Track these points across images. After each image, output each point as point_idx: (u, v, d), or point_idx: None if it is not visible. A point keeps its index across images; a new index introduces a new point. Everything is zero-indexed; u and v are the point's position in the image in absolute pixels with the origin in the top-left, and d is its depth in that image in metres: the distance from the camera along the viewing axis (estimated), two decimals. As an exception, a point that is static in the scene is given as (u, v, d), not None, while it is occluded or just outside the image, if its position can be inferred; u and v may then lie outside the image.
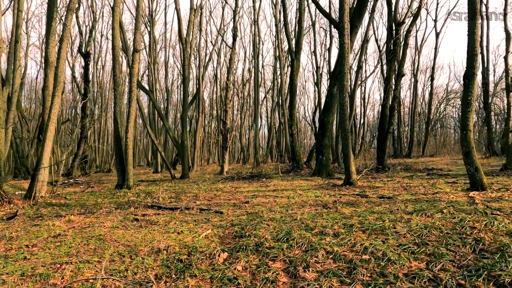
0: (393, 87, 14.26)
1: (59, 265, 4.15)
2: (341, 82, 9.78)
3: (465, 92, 7.55)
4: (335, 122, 22.79)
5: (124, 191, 11.50)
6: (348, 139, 9.70)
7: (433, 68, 30.94)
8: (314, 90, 43.05)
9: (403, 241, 4.30)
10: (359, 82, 26.56)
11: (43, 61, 36.08)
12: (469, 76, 7.45)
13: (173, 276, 3.72)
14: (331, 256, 3.99)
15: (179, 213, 6.91)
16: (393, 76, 14.36)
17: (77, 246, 4.84)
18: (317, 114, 35.59)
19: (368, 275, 3.50)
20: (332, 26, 17.05)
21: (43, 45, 32.51)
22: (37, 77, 39.87)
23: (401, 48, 14.63)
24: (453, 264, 3.64)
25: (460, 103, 50.59)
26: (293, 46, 17.42)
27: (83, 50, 21.65)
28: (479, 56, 19.31)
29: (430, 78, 31.55)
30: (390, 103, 14.14)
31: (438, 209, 5.73)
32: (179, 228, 5.57)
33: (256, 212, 6.60)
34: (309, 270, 3.66)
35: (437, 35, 31.05)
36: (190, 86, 41.51)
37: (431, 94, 31.89)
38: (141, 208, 7.62)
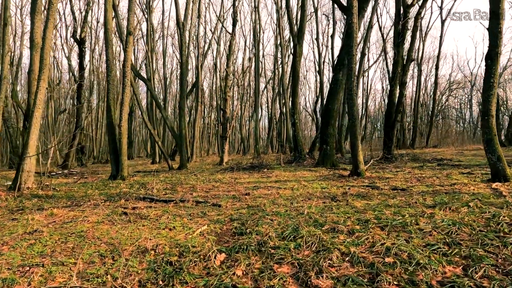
0: (401, 72, 13.52)
1: (28, 268, 3.55)
2: (349, 64, 9.07)
3: (487, 74, 6.86)
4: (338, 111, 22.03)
5: (118, 182, 10.89)
6: (356, 126, 9.03)
7: (438, 56, 30.06)
8: (316, 80, 42.25)
9: (430, 240, 3.68)
10: (362, 71, 25.76)
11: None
12: (492, 56, 6.76)
13: (160, 282, 3.11)
14: (347, 259, 3.38)
15: (173, 206, 6.30)
16: (401, 61, 13.62)
17: (53, 245, 4.23)
18: (319, 104, 34.90)
19: (395, 283, 2.89)
20: (337, 8, 16.19)
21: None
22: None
23: (411, 31, 13.85)
24: (497, 269, 3.02)
25: (462, 94, 49.86)
26: (296, 31, 16.62)
27: (78, 36, 20.83)
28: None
29: (435, 67, 30.71)
30: (398, 89, 13.45)
31: (463, 202, 5.11)
32: (171, 224, 4.96)
33: (257, 205, 5.98)
34: (322, 277, 3.04)
35: (443, 22, 30.16)
36: (189, 76, 40.68)
37: (435, 83, 31.10)
38: (132, 200, 7.01)
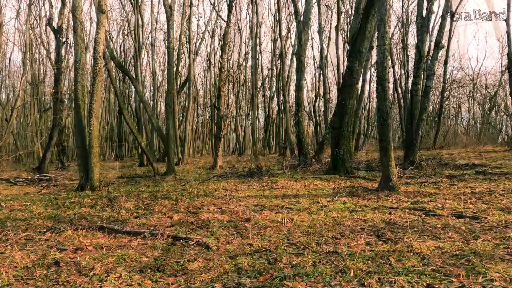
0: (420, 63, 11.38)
1: None
2: (381, 45, 6.98)
3: None
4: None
5: (84, 194, 8.75)
6: (389, 126, 6.97)
7: (447, 51, 28.11)
8: (314, 77, 40.16)
9: None
10: (370, 65, 23.74)
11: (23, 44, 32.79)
12: None
13: None
14: None
15: (137, 246, 4.19)
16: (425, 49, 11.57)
17: None
18: (317, 102, 32.82)
19: None
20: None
21: (23, 26, 29.17)
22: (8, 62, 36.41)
23: (439, 14, 11.84)
24: None
25: (462, 93, 48.36)
26: (301, 15, 14.48)
27: (55, 24, 18.57)
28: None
29: (444, 63, 28.82)
30: (425, 82, 11.45)
31: None
32: (120, 295, 2.86)
33: (265, 248, 3.89)
34: None
35: (452, 15, 28.20)
36: (182, 74, 38.50)
37: (444, 80, 29.21)
38: (84, 231, 4.87)
